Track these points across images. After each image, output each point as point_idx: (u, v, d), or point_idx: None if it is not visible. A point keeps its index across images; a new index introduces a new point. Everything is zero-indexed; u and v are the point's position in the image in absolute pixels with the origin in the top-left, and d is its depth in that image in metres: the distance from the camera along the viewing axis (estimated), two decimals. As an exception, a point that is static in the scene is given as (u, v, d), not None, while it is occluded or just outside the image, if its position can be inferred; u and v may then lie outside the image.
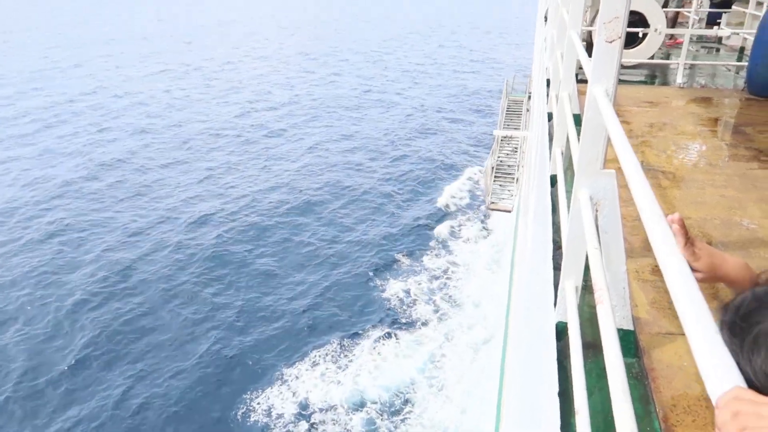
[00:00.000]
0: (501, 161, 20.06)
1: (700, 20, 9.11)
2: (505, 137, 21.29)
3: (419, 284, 14.90)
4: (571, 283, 2.04)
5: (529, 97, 19.91)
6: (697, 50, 8.62)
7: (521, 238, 9.31)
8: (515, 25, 62.53)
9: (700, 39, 9.09)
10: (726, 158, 4.19)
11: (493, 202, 18.82)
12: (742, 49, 7.77)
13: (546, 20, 8.30)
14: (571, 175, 2.77)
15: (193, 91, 34.03)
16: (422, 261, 16.13)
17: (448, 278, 15.25)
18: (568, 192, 2.84)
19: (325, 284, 14.79)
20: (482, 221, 18.93)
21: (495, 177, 19.51)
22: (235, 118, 28.63)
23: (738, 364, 0.64)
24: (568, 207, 2.28)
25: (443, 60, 44.63)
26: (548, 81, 5.56)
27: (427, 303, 14.05)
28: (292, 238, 17.18)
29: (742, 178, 3.77)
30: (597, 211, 1.90)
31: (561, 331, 2.13)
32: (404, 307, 13.90)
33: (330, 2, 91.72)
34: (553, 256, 2.64)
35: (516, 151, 20.35)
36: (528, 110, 19.54)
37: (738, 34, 7.35)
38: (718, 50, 8.58)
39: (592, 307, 2.33)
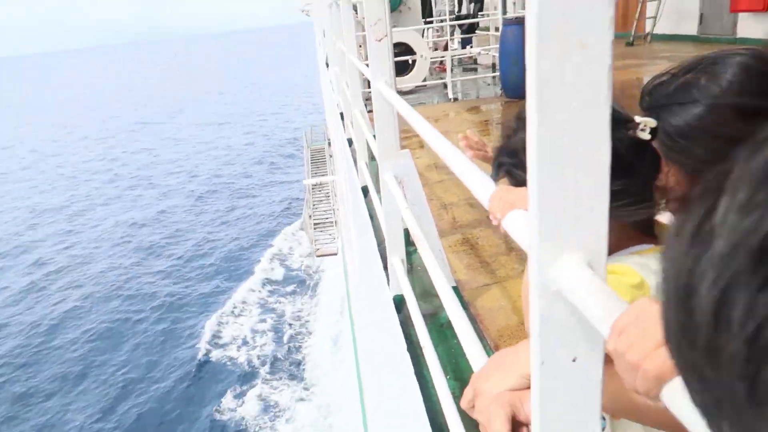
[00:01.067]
0: (316, 207, 20.62)
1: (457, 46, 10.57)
2: (315, 185, 21.97)
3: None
4: (397, 258, 2.28)
5: (329, 144, 20.88)
6: (461, 71, 9.96)
7: (351, 271, 9.66)
8: (302, 81, 63.63)
9: (461, 62, 10.52)
10: (500, 150, 4.92)
11: (318, 249, 19.17)
12: (493, 65, 9.15)
13: (327, 66, 8.91)
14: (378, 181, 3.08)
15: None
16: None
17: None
18: (379, 193, 3.15)
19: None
20: (295, 365, 13.64)
21: (314, 225, 19.95)
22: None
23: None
24: (380, 200, 2.56)
25: (232, 131, 38.91)
26: (341, 114, 6.00)
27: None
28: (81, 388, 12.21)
29: (515, 161, 4.46)
30: (403, 188, 2.19)
31: (399, 303, 2.36)
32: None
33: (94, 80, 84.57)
34: (378, 250, 2.90)
35: (329, 197, 21.09)
36: (331, 156, 20.47)
37: (488, 52, 8.64)
38: (476, 69, 10.00)
39: (420, 277, 2.61)
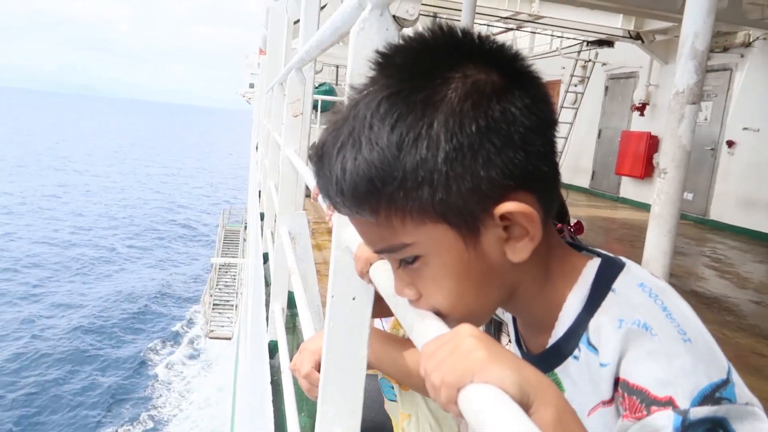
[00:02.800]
0: (219, 289, 20.16)
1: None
2: (222, 265, 21.62)
3: None
4: (278, 305, 2.54)
5: (245, 228, 20.91)
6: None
7: (242, 357, 9.50)
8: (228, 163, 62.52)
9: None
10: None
11: (211, 330, 18.52)
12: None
13: (257, 149, 9.33)
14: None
15: None
16: None
17: None
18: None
19: None
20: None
21: (213, 305, 19.40)
22: None
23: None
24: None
25: (146, 211, 33.82)
26: (259, 192, 6.33)
27: None
28: None
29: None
30: (294, 243, 2.50)
31: (273, 347, 2.58)
32: None
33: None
34: (264, 300, 3.13)
35: (234, 280, 20.74)
36: (245, 240, 20.43)
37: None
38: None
39: (297, 326, 2.85)
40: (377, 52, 0.58)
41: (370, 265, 0.77)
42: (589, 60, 11.23)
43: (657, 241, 2.98)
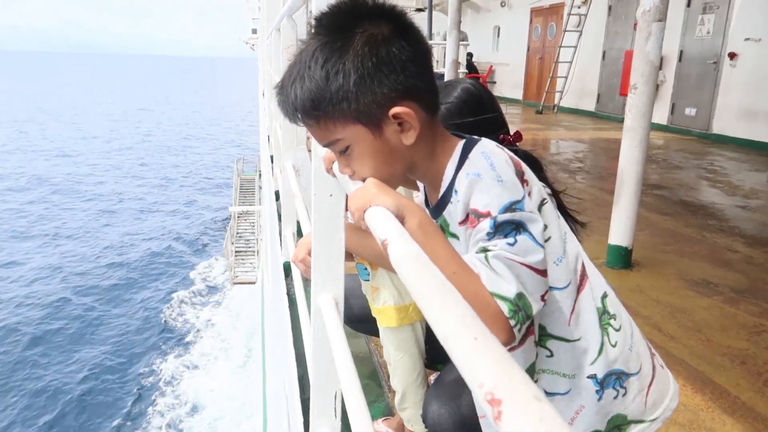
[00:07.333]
0: (240, 236, 20.79)
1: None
2: (241, 214, 22.19)
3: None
4: (288, 230, 2.88)
5: (260, 176, 21.27)
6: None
7: (268, 295, 10.01)
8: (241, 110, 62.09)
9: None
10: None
11: (236, 276, 19.26)
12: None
13: (264, 95, 9.52)
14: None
15: None
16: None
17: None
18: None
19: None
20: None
21: (236, 252, 20.09)
22: None
23: None
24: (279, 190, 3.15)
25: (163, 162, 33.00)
26: (269, 137, 6.60)
27: None
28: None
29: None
30: (299, 175, 2.80)
31: (287, 267, 2.94)
32: None
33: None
34: (278, 226, 3.47)
35: (254, 226, 21.33)
36: (260, 188, 20.83)
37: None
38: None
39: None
40: (314, 17, 0.86)
41: (332, 163, 1.07)
42: (591, -21, 11.05)
43: (629, 152, 3.24)
